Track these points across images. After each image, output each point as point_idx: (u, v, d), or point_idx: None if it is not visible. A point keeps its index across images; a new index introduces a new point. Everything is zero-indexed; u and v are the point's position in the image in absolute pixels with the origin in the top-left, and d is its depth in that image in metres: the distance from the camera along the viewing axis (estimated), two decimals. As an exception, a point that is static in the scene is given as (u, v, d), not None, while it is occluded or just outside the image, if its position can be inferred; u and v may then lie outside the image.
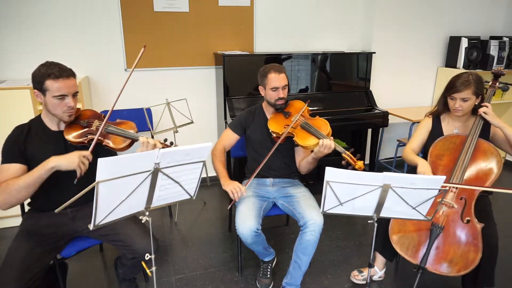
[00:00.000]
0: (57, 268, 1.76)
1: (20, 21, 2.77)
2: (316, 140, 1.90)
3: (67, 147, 1.70)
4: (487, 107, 1.85)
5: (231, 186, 1.93)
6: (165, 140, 1.69)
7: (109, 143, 1.69)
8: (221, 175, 2.04)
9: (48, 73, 1.56)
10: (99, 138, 1.66)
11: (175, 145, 1.57)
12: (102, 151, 1.68)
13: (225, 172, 2.05)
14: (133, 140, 1.71)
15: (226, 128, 2.28)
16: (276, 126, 2.05)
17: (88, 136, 1.67)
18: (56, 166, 1.52)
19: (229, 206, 2.00)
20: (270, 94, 2.07)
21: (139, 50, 1.80)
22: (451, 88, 1.91)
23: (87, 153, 1.56)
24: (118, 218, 1.30)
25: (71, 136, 1.67)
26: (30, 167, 1.62)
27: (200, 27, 3.21)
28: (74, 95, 1.64)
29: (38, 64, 1.62)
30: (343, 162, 1.82)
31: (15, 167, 1.59)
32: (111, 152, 1.75)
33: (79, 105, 2.62)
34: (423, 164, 1.88)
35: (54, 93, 1.57)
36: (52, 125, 1.72)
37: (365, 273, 2.19)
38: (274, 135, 2.03)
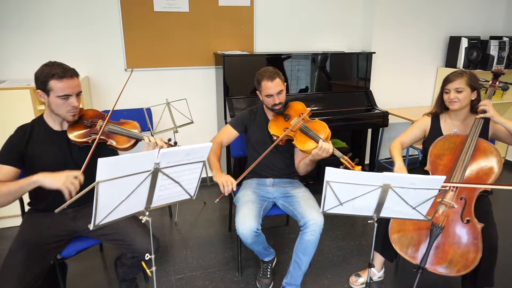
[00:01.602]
0: (57, 268, 1.76)
1: (20, 21, 2.77)
2: (315, 144, 1.91)
3: (70, 147, 1.70)
4: (486, 104, 1.85)
5: (222, 179, 1.90)
6: (169, 140, 1.70)
7: (113, 142, 1.69)
8: (214, 166, 2.02)
9: (52, 73, 1.55)
10: (103, 138, 1.67)
11: (178, 145, 1.57)
12: (106, 150, 1.69)
13: (218, 165, 2.04)
14: (138, 140, 1.72)
15: (225, 125, 2.27)
16: (276, 129, 2.05)
17: (92, 136, 1.67)
18: (39, 181, 1.49)
19: (217, 200, 1.93)
20: (266, 101, 2.08)
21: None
22: (445, 81, 1.95)
23: (78, 173, 1.51)
24: (118, 218, 1.30)
25: (75, 136, 1.66)
26: (32, 168, 1.62)
27: (200, 27, 3.21)
28: (78, 94, 1.64)
29: (38, 64, 1.61)
30: (341, 167, 1.81)
31: (7, 169, 1.60)
32: (115, 152, 1.76)
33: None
34: (399, 166, 1.92)
35: (58, 93, 1.57)
36: (55, 125, 1.71)
37: (363, 277, 2.18)
38: (275, 137, 2.03)
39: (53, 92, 1.58)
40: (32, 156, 1.64)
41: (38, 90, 1.60)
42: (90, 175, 1.55)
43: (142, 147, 1.68)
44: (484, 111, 1.85)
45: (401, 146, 2.08)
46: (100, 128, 1.68)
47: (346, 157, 1.82)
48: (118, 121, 1.78)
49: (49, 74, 1.55)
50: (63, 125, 1.72)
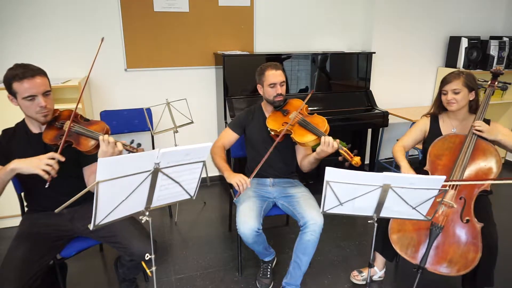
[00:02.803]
0: (57, 268, 1.77)
1: (21, 21, 2.77)
2: (314, 136, 1.91)
3: (47, 150, 1.63)
4: (479, 125, 1.83)
5: (236, 179, 1.91)
6: (132, 141, 1.57)
7: (77, 145, 1.59)
8: (224, 169, 2.03)
9: (13, 75, 1.52)
10: (70, 140, 1.59)
11: (142, 148, 1.51)
12: (73, 153, 1.60)
13: (227, 166, 2.06)
14: (98, 141, 1.58)
15: (225, 128, 2.28)
16: (274, 124, 2.05)
17: (62, 138, 1.60)
18: (16, 168, 1.47)
19: (235, 198, 2.02)
20: (268, 91, 2.08)
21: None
22: (442, 82, 1.96)
23: (55, 154, 1.49)
24: (118, 218, 1.30)
25: (47, 139, 1.61)
26: None
27: (200, 27, 3.21)
28: (46, 94, 1.58)
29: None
30: (340, 158, 1.82)
31: None
32: (83, 155, 1.64)
33: (79, 106, 2.64)
34: (405, 168, 1.93)
35: (22, 95, 1.54)
36: (34, 128, 1.69)
37: (365, 273, 2.19)
38: (273, 133, 2.04)
39: (18, 95, 1.54)
40: (13, 158, 1.61)
41: (8, 95, 1.58)
42: (66, 176, 1.54)
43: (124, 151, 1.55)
44: (480, 131, 1.83)
45: (404, 149, 2.08)
46: (66, 129, 1.60)
47: (345, 148, 1.82)
48: (88, 121, 1.69)
49: (11, 77, 1.52)
50: (42, 128, 1.68)
